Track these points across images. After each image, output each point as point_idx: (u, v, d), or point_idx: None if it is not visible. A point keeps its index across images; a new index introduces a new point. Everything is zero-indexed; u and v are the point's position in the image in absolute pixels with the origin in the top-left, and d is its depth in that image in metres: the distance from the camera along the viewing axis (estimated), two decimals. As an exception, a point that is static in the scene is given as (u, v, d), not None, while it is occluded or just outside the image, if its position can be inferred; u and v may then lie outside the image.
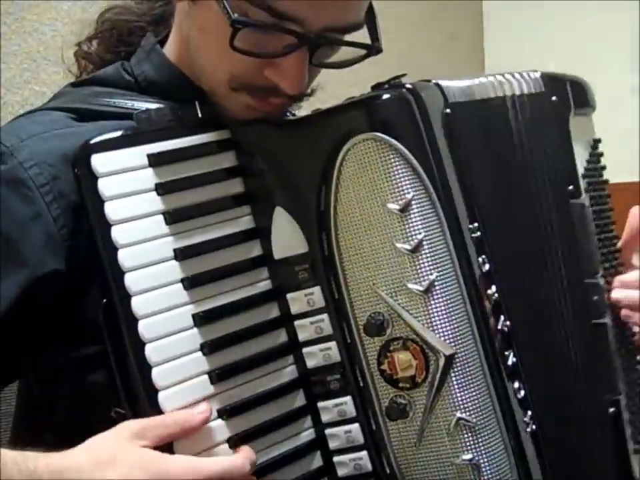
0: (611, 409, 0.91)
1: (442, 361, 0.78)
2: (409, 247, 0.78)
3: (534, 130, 0.91)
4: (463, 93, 0.87)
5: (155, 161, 0.79)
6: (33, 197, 0.79)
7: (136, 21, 0.94)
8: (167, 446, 0.74)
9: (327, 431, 0.82)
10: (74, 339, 0.82)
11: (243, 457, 0.75)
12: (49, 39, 1.41)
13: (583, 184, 0.96)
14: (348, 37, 0.84)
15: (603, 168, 1.00)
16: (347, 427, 0.82)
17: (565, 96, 0.95)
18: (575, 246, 0.92)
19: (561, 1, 2.11)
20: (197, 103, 0.85)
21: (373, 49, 0.84)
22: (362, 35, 0.85)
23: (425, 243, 0.78)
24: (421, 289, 0.78)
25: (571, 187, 0.93)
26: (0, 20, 1.35)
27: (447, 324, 0.78)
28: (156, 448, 0.73)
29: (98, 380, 0.82)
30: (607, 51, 2.04)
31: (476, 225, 0.83)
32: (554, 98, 0.93)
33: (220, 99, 0.85)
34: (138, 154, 0.79)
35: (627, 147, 1.98)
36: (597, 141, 1.01)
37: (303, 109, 0.94)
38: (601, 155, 1.01)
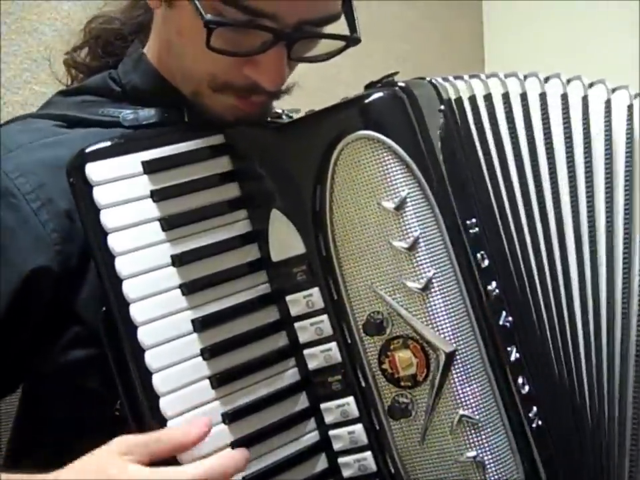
0: None
1: (442, 359, 0.78)
2: (405, 245, 0.78)
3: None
4: (458, 90, 0.87)
5: (150, 167, 0.80)
6: (18, 205, 0.80)
7: (119, 29, 0.95)
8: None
9: (331, 432, 0.82)
10: (65, 342, 0.82)
11: (232, 456, 0.74)
12: (49, 39, 1.42)
13: None
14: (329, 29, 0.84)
15: None
16: (350, 428, 0.81)
17: None
18: None
19: (561, 1, 2.10)
20: (185, 108, 0.86)
21: (351, 40, 0.84)
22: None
23: (421, 240, 0.78)
24: (419, 286, 0.78)
25: None
26: (0, 20, 1.35)
27: (447, 321, 0.78)
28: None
29: (92, 386, 0.82)
30: (607, 51, 2.03)
31: (474, 221, 0.83)
32: None
33: (204, 100, 0.86)
34: (132, 161, 0.79)
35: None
36: None
37: (303, 111, 0.94)
38: None
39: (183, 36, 0.84)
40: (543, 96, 0.90)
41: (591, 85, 0.90)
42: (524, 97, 0.89)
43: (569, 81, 0.90)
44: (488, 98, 0.88)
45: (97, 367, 0.81)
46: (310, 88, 0.94)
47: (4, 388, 0.84)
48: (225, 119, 0.86)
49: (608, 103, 0.89)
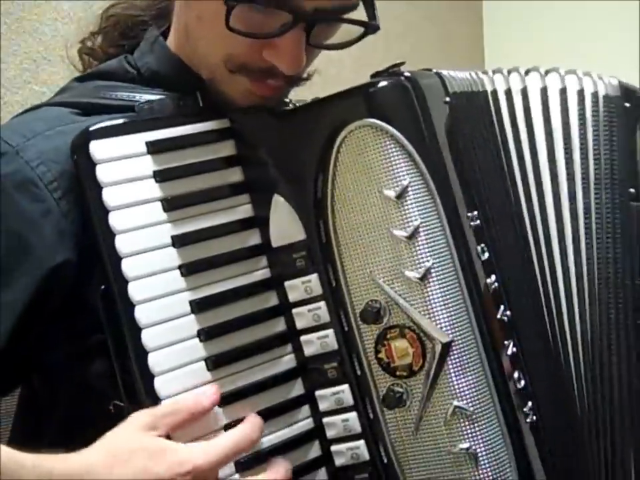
0: None
1: (438, 349, 0.77)
2: (405, 234, 0.78)
3: (601, 130, 0.91)
4: (463, 83, 0.88)
5: (153, 148, 0.80)
6: (42, 195, 0.80)
7: (140, 15, 0.95)
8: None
9: (325, 420, 0.82)
10: (77, 329, 0.82)
11: (250, 424, 0.76)
12: (49, 39, 1.42)
13: None
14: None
15: None
16: (344, 416, 0.81)
17: (638, 106, 0.94)
18: (629, 246, 0.91)
19: (561, 2, 2.10)
20: (198, 92, 0.86)
21: (370, 26, 0.84)
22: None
23: (421, 229, 0.78)
24: (418, 276, 0.78)
25: (632, 190, 0.92)
26: (0, 20, 1.35)
27: (444, 311, 0.78)
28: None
29: (97, 370, 0.82)
30: (607, 52, 2.03)
31: (475, 213, 0.83)
32: (627, 104, 0.93)
33: (220, 85, 0.86)
34: (136, 141, 0.79)
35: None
36: None
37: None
38: None
39: (202, 20, 0.84)
40: (544, 90, 0.91)
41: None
42: (524, 92, 0.90)
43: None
44: (494, 94, 0.89)
45: (102, 353, 0.80)
46: (309, 87, 0.94)
47: (14, 382, 0.85)
48: (239, 105, 0.86)
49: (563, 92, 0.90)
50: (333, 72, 1.43)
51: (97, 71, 0.93)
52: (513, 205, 0.87)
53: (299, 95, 0.95)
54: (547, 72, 0.93)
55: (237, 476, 0.78)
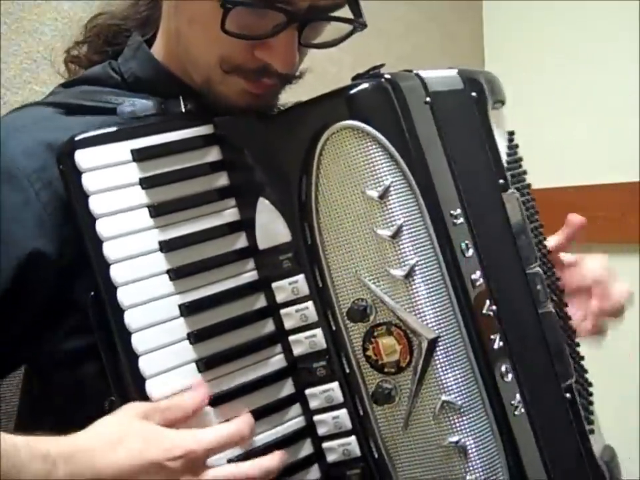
0: (567, 394, 0.90)
1: (425, 345, 0.79)
2: (388, 233, 0.79)
3: (459, 127, 0.89)
4: (445, 82, 0.89)
5: (139, 155, 0.81)
6: (21, 185, 0.81)
7: (122, 24, 0.96)
8: None
9: (315, 418, 0.83)
10: (66, 330, 0.83)
11: (242, 420, 0.77)
12: (49, 39, 1.42)
13: (508, 176, 0.96)
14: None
15: (520, 159, 1.00)
16: (334, 413, 0.83)
17: (482, 91, 0.94)
18: (511, 237, 0.91)
19: (561, 2, 2.09)
20: (180, 97, 0.88)
21: (358, 24, 0.85)
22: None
23: (404, 228, 0.79)
24: (402, 274, 0.79)
25: (501, 181, 0.92)
26: (0, 20, 1.36)
27: (429, 308, 0.79)
28: None
29: (89, 371, 0.83)
30: (607, 51, 2.03)
31: (459, 210, 0.84)
32: (473, 94, 0.92)
33: (215, 86, 0.87)
34: (122, 149, 0.81)
35: (627, 147, 1.97)
36: (511, 133, 1.00)
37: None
38: (517, 146, 0.99)
39: (195, 22, 0.85)
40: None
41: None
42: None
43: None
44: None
45: (94, 354, 0.82)
46: (310, 87, 0.94)
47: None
48: (236, 105, 0.87)
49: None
50: (332, 71, 1.43)
51: (82, 77, 0.94)
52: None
53: (298, 95, 0.96)
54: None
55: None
